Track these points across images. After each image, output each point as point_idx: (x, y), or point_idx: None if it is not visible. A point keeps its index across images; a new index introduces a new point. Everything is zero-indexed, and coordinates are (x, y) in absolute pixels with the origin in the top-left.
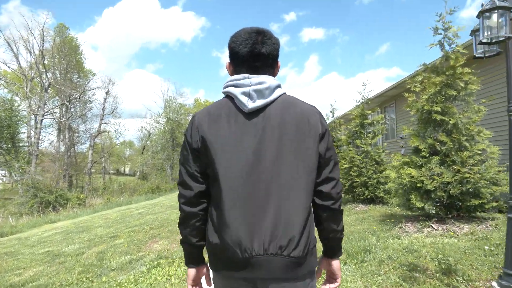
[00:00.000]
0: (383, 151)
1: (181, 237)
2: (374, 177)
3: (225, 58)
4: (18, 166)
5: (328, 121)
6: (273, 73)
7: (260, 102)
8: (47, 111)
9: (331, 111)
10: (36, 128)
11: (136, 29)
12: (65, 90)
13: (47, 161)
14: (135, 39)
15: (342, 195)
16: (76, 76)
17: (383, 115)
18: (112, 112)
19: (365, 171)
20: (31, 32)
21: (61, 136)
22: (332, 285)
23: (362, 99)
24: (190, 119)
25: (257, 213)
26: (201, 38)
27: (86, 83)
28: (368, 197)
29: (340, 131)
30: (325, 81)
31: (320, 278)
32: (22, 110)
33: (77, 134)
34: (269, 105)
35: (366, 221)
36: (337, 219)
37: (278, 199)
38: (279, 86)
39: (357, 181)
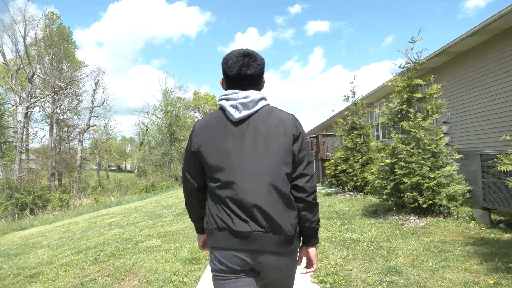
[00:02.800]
0: (441, 138)
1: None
2: (432, 176)
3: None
4: (2, 163)
5: (347, 103)
6: (259, 89)
7: (245, 113)
8: (30, 104)
9: (351, 91)
10: (19, 122)
11: (141, 25)
12: (49, 80)
13: (41, 158)
14: (140, 35)
15: (316, 189)
16: (67, 66)
17: (438, 85)
18: (102, 104)
19: (416, 167)
20: (13, 18)
21: (52, 131)
22: (309, 269)
23: (408, 63)
24: (189, 113)
25: (251, 201)
26: (205, 33)
27: (72, 71)
28: (423, 206)
29: (363, 116)
30: (330, 74)
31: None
32: (5, 102)
33: (68, 129)
34: (253, 115)
35: (450, 256)
36: (312, 210)
37: (265, 188)
38: (262, 99)
39: (405, 183)
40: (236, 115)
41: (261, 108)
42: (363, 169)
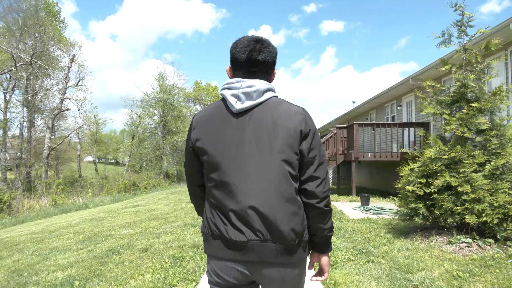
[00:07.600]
0: None
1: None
2: None
3: None
4: None
5: (447, 50)
6: (269, 79)
7: (247, 104)
8: None
9: (457, 24)
10: None
11: (155, 20)
12: (7, 49)
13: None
14: (153, 29)
15: (329, 194)
16: (52, 45)
17: None
18: (77, 85)
19: None
20: None
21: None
22: (319, 277)
23: None
24: (189, 104)
25: (247, 203)
26: (219, 29)
27: (38, 43)
28: None
29: (488, 74)
30: (340, 74)
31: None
32: None
33: (40, 115)
34: (257, 106)
35: None
36: (323, 218)
37: (265, 189)
38: (269, 90)
39: None
40: (237, 105)
41: (267, 99)
42: (494, 186)
